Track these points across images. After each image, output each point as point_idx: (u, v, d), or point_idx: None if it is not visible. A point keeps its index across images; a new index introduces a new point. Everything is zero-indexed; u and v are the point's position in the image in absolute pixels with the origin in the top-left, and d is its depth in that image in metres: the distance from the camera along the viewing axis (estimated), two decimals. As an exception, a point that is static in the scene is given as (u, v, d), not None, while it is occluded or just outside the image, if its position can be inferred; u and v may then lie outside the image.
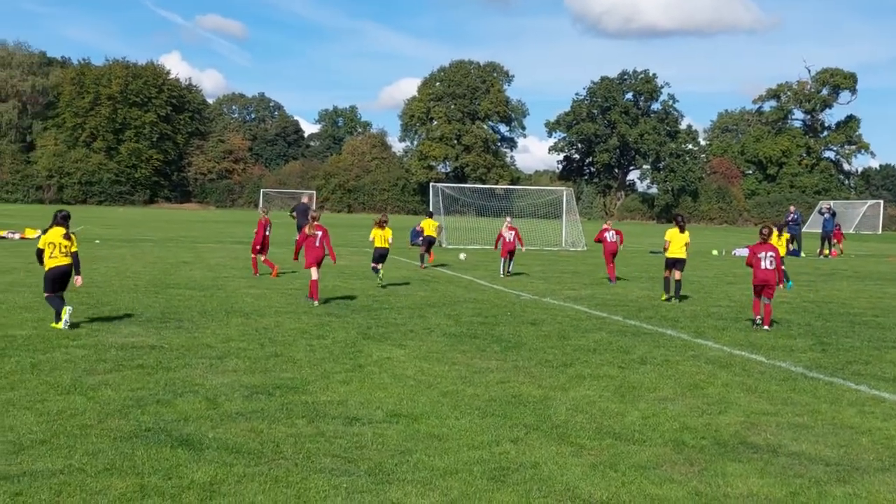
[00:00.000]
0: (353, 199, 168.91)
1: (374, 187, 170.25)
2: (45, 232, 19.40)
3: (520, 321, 22.00)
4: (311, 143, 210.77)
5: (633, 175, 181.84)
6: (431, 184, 67.62)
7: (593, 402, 13.45)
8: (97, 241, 49.78)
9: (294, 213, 44.07)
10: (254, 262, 32.86)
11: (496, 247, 36.93)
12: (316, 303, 24.39)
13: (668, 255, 28.16)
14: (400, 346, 17.81)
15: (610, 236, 34.34)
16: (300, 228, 41.74)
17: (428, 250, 41.65)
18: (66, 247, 19.22)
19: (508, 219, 37.64)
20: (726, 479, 9.95)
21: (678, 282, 28.04)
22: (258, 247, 32.90)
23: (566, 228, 62.72)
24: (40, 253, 19.22)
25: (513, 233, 36.01)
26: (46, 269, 19.23)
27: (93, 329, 18.90)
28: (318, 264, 25.09)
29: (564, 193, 66.06)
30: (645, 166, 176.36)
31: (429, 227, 42.56)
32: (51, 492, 8.84)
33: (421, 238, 43.88)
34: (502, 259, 36.13)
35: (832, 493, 9.59)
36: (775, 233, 26.26)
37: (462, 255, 46.47)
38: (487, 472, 9.83)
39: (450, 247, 54.44)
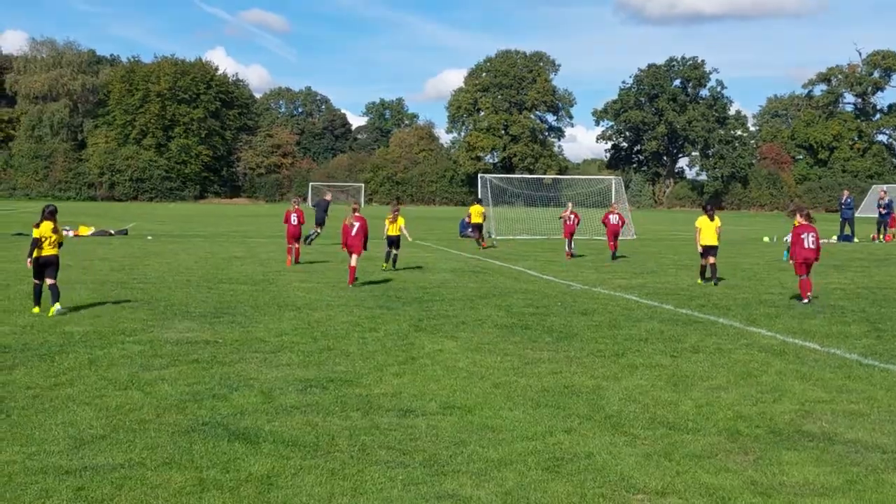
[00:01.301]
0: (401, 190, 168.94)
1: (421, 179, 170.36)
2: (36, 226, 20.85)
3: (571, 311, 21.92)
4: (359, 136, 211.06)
5: (682, 162, 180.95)
6: (480, 175, 67.53)
7: (646, 391, 13.40)
8: (149, 238, 50.18)
9: (315, 206, 47.28)
10: (290, 251, 33.98)
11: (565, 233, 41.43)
12: (351, 286, 26.58)
13: (701, 242, 29.20)
14: (452, 338, 17.81)
15: (613, 219, 39.64)
16: (319, 223, 43.87)
17: (479, 236, 44.23)
18: (54, 239, 20.85)
19: (570, 205, 42.49)
20: (782, 467, 9.87)
21: (713, 266, 28.93)
22: (293, 236, 34.18)
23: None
24: (35, 242, 20.79)
25: (573, 217, 41.24)
26: (35, 256, 20.79)
27: (147, 325, 19.06)
28: (356, 252, 27.14)
29: (613, 182, 66.07)
30: (694, 153, 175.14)
31: (476, 213, 43.99)
32: (112, 486, 8.93)
33: (470, 228, 45.27)
34: (566, 240, 41.10)
35: (889, 480, 9.50)
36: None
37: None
38: (542, 462, 9.82)
39: (499, 238, 54.25)
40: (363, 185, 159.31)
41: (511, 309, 22.12)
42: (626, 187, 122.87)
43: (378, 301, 23.29)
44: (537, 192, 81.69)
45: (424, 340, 17.49)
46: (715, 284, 28.08)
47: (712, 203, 31.53)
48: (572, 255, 40.43)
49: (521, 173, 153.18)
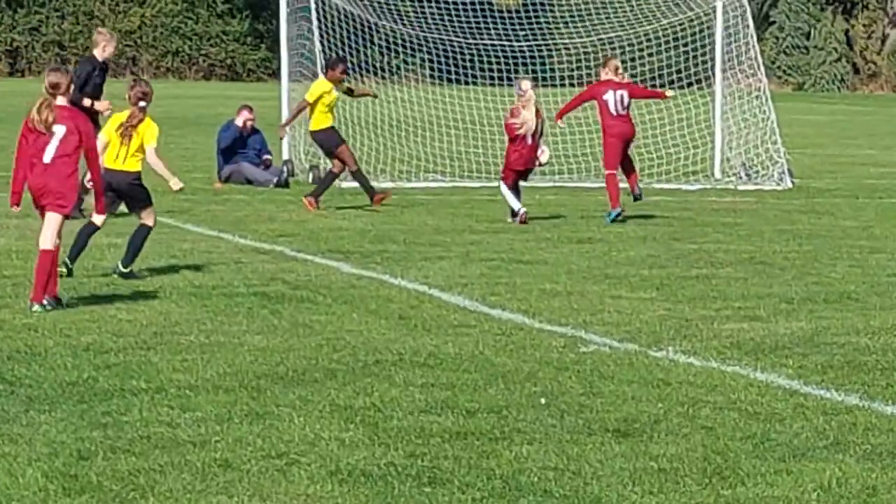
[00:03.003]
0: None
1: None
2: None
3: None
4: None
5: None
6: None
7: None
8: None
9: None
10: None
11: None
12: None
13: None
14: None
15: (613, 103, 18.88)
16: None
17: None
18: None
19: (524, 84, 19.33)
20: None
21: None
22: None
23: (734, 119, 27.26)
24: None
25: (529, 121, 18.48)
26: None
27: None
28: None
29: (719, 4, 27.28)
30: None
31: (322, 107, 19.78)
32: None
33: (267, 156, 23.25)
34: (505, 188, 18.73)
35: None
36: None
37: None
38: None
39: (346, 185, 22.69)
40: None
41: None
42: (765, 23, 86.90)
43: None
44: (476, 37, 31.20)
45: None
46: None
47: None
48: (523, 221, 18.35)
49: None
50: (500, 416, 7.22)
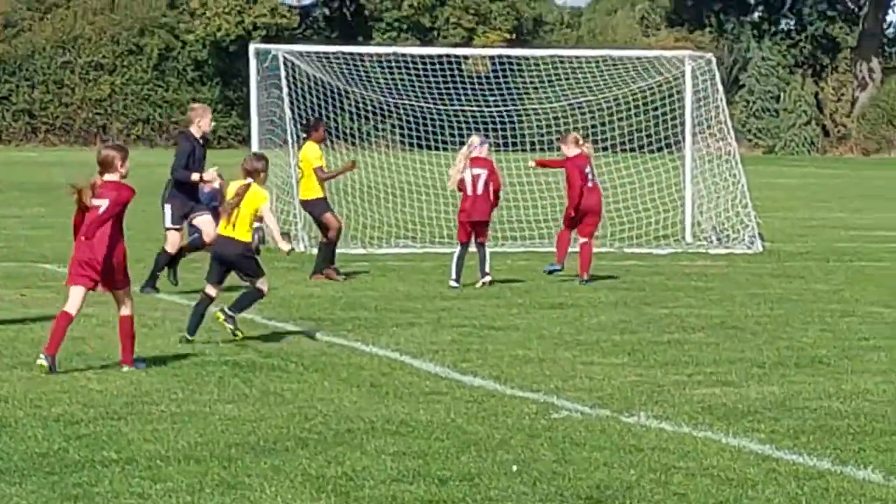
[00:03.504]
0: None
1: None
2: None
3: None
4: None
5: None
6: (253, 45, 28.63)
7: None
8: None
9: None
10: None
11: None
12: None
13: None
14: None
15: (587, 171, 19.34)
16: None
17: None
18: None
19: (477, 142, 19.49)
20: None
21: None
22: None
23: (705, 183, 27.53)
24: None
25: (484, 172, 18.82)
26: None
27: None
28: None
29: (688, 68, 27.70)
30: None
31: (308, 166, 20.14)
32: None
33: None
34: (459, 246, 18.97)
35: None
36: None
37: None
38: None
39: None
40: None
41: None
42: (733, 86, 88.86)
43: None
44: (448, 106, 32.08)
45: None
46: None
47: None
48: (487, 283, 18.72)
49: (408, 41, 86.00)
50: (472, 485, 7.16)
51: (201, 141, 18.01)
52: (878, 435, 8.82)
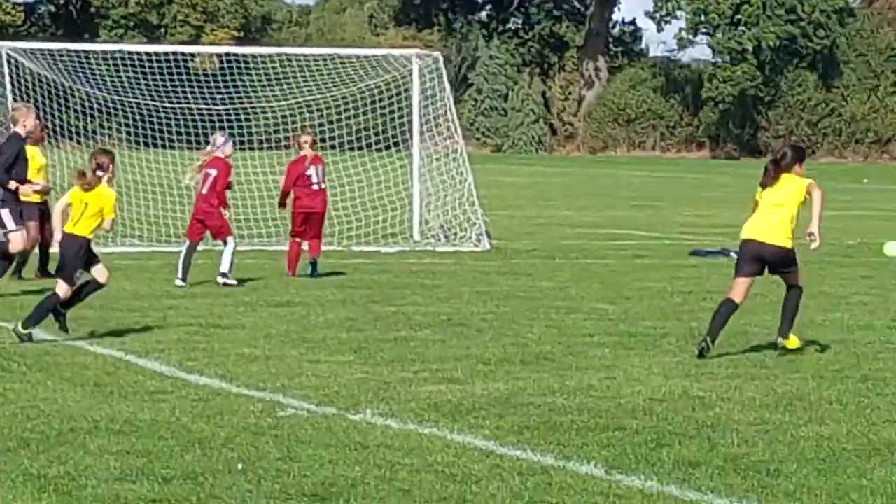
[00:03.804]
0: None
1: None
2: None
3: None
4: None
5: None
6: None
7: None
8: None
9: None
10: None
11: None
12: None
13: (744, 235, 12.44)
14: None
15: (314, 177, 19.71)
16: None
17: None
18: None
19: (220, 141, 19.58)
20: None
21: (791, 302, 12.54)
22: None
23: (433, 181, 27.82)
24: None
25: (214, 172, 18.92)
26: None
27: None
28: None
29: (416, 67, 27.85)
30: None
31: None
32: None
33: None
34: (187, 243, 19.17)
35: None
36: None
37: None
38: None
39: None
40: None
41: None
42: (461, 85, 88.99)
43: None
44: (174, 101, 31.58)
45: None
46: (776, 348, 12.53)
47: (795, 146, 12.04)
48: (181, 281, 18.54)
49: (135, 38, 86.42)
50: (196, 483, 7.07)
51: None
52: (601, 430, 8.97)
